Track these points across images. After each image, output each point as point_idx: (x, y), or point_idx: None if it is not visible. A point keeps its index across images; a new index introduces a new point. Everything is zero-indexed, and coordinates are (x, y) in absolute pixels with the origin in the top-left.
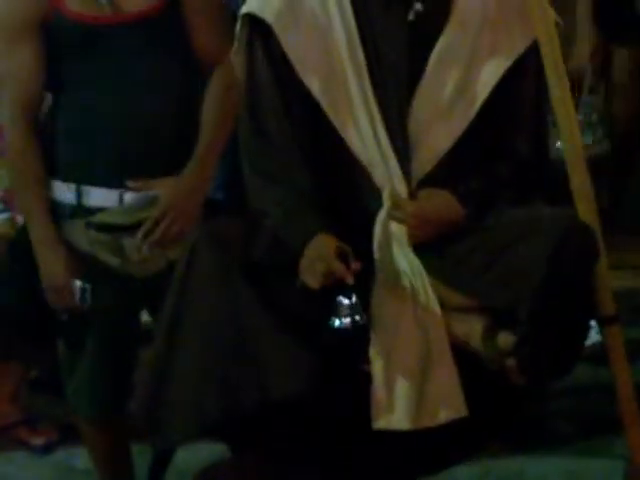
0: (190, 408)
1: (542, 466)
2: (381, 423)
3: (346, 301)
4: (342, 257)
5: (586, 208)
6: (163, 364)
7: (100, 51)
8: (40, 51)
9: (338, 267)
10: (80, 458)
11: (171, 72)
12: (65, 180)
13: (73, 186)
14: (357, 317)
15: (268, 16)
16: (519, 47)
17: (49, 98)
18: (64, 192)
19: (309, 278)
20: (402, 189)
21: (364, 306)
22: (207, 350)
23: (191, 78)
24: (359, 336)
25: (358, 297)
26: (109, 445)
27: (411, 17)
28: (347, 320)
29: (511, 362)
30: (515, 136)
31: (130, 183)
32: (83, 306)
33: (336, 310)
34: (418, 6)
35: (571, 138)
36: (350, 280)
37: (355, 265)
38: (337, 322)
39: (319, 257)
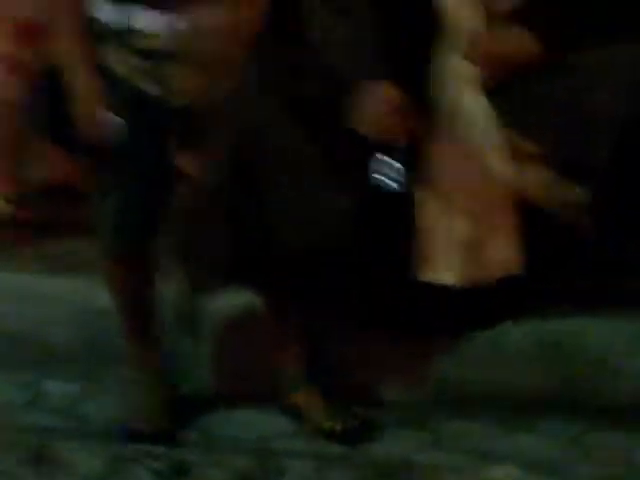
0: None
1: (606, 327)
2: (426, 275)
3: (396, 165)
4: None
5: None
6: None
7: None
8: None
9: (394, 123)
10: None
11: None
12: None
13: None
14: (399, 183)
15: None
16: None
17: None
18: (111, 12)
19: (364, 125)
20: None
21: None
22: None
23: None
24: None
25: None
26: (135, 285)
27: None
28: (390, 183)
29: (580, 215)
30: None
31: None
32: (115, 140)
33: (382, 167)
34: None
35: None
36: (402, 141)
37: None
38: (380, 181)
39: (381, 105)
